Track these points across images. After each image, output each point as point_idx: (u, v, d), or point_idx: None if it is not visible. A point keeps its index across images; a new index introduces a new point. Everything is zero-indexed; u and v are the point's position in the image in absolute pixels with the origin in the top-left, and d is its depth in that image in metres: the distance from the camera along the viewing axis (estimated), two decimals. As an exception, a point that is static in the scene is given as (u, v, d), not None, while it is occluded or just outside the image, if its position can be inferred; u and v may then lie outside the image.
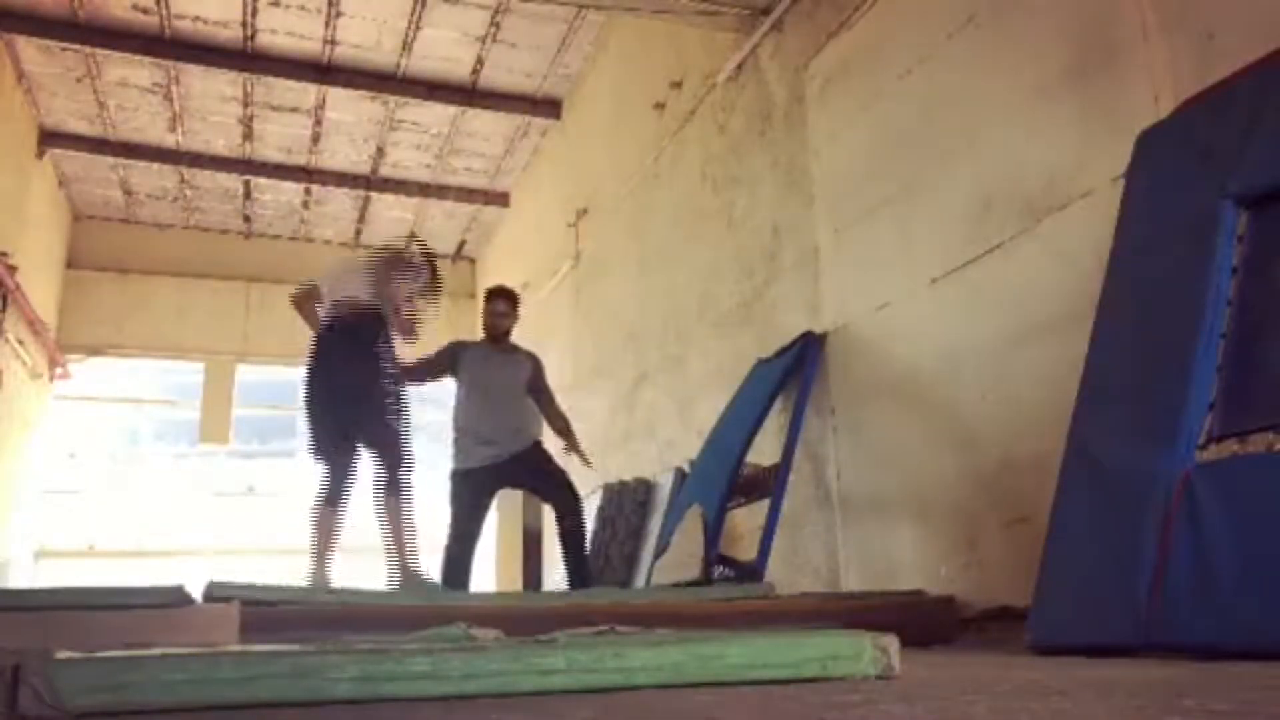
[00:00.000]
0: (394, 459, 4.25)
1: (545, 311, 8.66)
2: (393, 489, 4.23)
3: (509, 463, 4.82)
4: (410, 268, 4.67)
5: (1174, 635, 2.26)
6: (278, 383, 14.03)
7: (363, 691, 1.47)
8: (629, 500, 6.37)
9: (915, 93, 4.21)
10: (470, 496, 4.83)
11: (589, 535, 5.48)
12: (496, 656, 1.57)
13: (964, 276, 3.83)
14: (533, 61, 8.19)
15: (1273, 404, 2.33)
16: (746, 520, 4.97)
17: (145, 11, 7.31)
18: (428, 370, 5.02)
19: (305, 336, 4.49)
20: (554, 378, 5.33)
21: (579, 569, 4.85)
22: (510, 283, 5.92)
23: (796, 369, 4.69)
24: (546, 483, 4.95)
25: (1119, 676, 1.80)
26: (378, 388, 4.23)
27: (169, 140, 9.20)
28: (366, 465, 4.34)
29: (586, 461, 5.10)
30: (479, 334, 5.23)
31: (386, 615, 2.97)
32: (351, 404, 4.23)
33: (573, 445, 5.07)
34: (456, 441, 4.95)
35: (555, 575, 7.57)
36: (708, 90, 6.08)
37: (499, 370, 4.98)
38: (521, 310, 5.36)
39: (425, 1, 7.28)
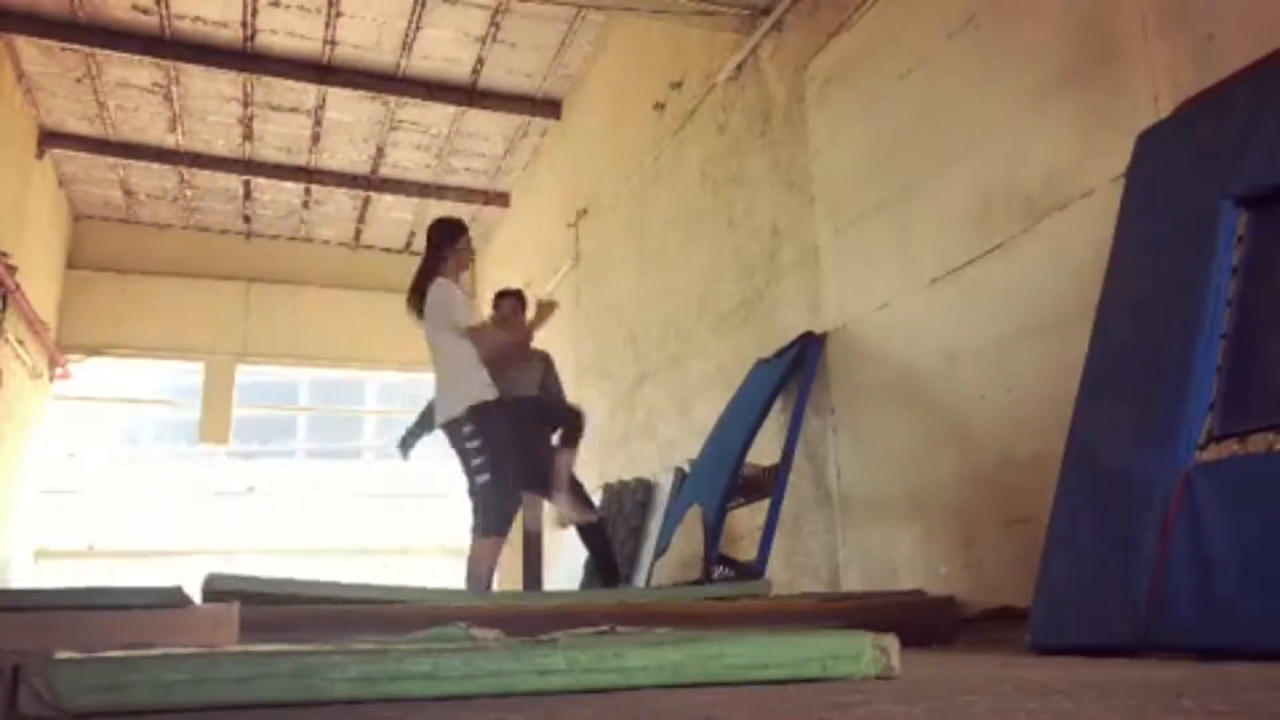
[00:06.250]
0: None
1: (545, 312, 8.64)
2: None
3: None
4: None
5: (1174, 635, 2.26)
6: (278, 383, 14.03)
7: (363, 691, 1.46)
8: (629, 500, 6.37)
9: (915, 93, 4.21)
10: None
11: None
12: (496, 656, 1.57)
13: (964, 276, 3.84)
14: (533, 61, 8.19)
15: (1273, 404, 2.33)
16: (746, 520, 4.97)
17: (145, 12, 7.31)
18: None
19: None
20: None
21: (605, 567, 4.82)
22: (510, 283, 5.92)
23: (796, 369, 4.69)
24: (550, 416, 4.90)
25: (1119, 676, 1.80)
26: None
27: (169, 140, 9.20)
28: None
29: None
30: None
31: (386, 615, 2.97)
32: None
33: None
34: None
35: (555, 576, 7.57)
36: (708, 90, 6.07)
37: (510, 377, 4.90)
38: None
39: (425, 1, 7.28)
